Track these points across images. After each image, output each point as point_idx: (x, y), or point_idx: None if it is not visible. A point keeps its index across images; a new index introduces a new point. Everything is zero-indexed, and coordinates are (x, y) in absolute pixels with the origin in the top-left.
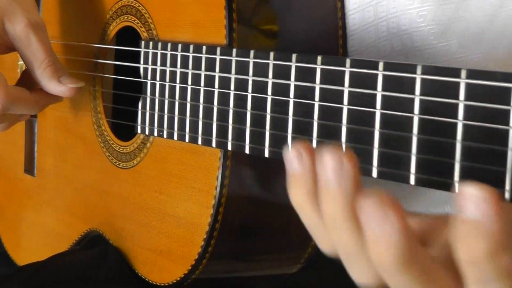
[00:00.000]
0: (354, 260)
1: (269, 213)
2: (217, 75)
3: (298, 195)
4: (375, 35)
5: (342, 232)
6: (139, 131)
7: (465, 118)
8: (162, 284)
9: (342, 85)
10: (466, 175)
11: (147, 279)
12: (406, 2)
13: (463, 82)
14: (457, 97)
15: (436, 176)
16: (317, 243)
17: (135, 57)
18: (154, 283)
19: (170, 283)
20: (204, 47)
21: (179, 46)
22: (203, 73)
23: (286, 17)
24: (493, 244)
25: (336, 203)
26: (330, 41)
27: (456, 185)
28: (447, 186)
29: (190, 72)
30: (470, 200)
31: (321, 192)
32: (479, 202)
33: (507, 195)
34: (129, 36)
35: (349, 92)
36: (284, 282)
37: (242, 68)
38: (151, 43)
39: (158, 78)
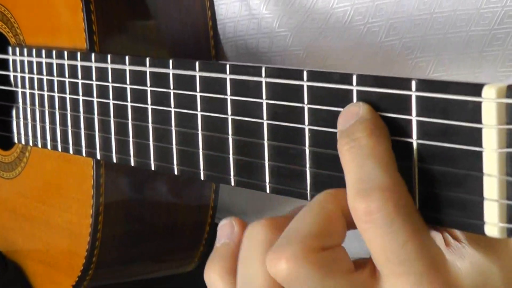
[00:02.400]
0: None
1: (152, 216)
2: (80, 82)
3: (216, 269)
4: (222, 34)
5: None
6: (16, 140)
7: (310, 123)
8: None
9: (195, 90)
10: (317, 183)
11: None
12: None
13: (305, 85)
14: (302, 101)
15: (290, 185)
16: None
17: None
18: None
19: None
20: (66, 53)
21: (43, 52)
22: (67, 80)
23: (152, 18)
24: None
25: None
26: (202, 42)
27: (308, 195)
28: (304, 196)
29: (55, 79)
30: None
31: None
32: None
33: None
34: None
35: (201, 97)
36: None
37: (102, 74)
38: (17, 49)
39: (27, 86)
